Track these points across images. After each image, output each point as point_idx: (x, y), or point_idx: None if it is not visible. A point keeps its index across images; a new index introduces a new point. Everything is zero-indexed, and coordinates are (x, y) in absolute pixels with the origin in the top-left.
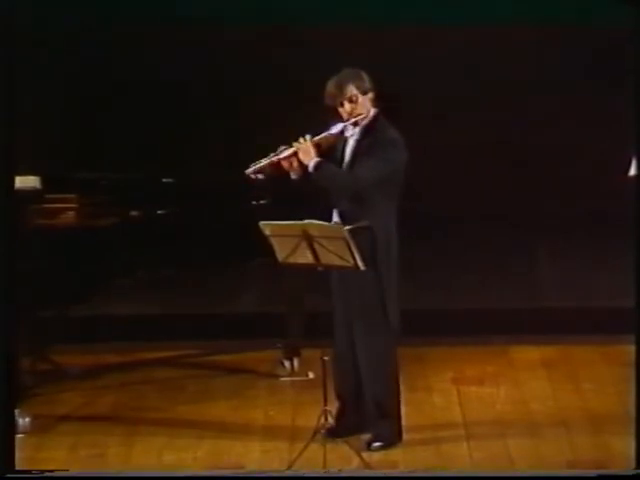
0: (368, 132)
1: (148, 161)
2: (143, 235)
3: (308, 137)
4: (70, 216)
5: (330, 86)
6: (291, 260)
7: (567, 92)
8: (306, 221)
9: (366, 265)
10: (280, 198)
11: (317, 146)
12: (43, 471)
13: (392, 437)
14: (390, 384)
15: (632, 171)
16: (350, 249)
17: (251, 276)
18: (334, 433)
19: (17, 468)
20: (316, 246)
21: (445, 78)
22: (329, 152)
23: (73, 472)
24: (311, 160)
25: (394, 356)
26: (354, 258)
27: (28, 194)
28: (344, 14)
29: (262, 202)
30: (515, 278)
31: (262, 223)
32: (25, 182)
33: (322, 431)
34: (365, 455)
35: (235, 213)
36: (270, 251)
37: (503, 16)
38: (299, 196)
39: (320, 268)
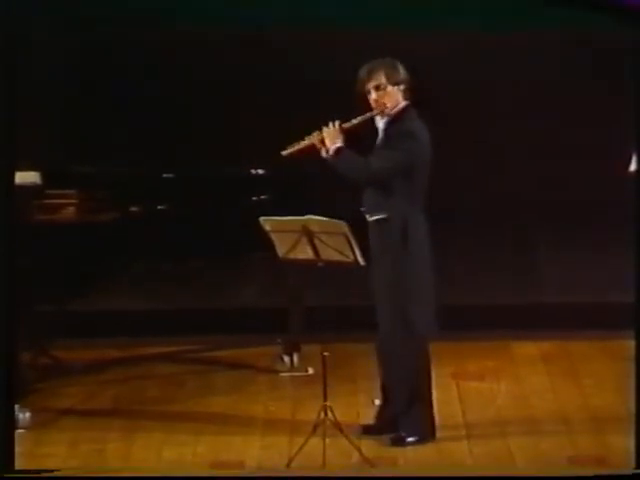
0: (392, 123)
1: (148, 156)
2: (143, 230)
3: (337, 123)
4: (70, 211)
5: (361, 72)
6: (291, 256)
7: (568, 92)
8: (306, 217)
9: (369, 258)
10: (280, 194)
11: (346, 132)
12: (43, 471)
13: (426, 432)
14: (415, 380)
15: (632, 167)
16: (350, 244)
17: (251, 271)
18: (372, 430)
19: (17, 463)
20: (316, 241)
21: (445, 78)
22: (360, 141)
23: (73, 472)
24: (334, 145)
25: (422, 351)
26: (354, 253)
27: (28, 190)
28: (352, 17)
29: (262, 198)
30: (515, 274)
31: (262, 219)
32: (25, 178)
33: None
34: (365, 451)
35: (235, 208)
36: (270, 246)
37: (504, 21)
38: (299, 192)
39: (320, 263)
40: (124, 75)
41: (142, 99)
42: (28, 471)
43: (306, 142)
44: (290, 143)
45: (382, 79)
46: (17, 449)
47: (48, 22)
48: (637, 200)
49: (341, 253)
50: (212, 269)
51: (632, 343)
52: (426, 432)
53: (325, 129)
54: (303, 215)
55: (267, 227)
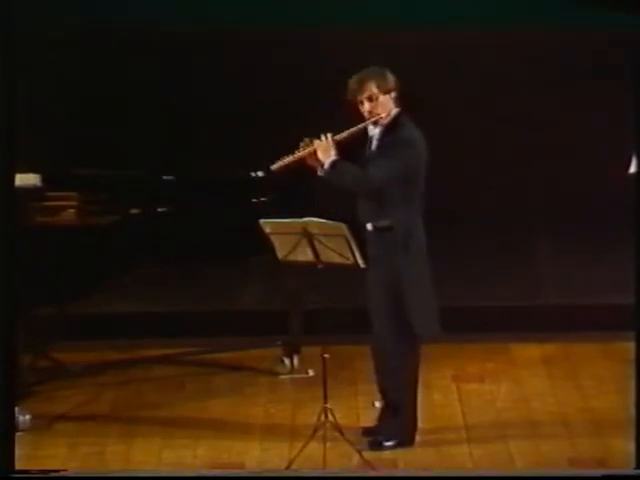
0: (388, 132)
1: (148, 159)
2: (143, 233)
3: (329, 135)
4: (71, 214)
5: (352, 82)
6: (291, 258)
7: (568, 92)
8: (306, 219)
9: (367, 264)
10: (280, 196)
11: (338, 144)
12: (42, 471)
13: (404, 436)
14: (403, 383)
15: (632, 169)
16: (350, 247)
17: (251, 273)
18: (373, 432)
19: (17, 465)
20: (316, 244)
21: (445, 78)
22: (355, 151)
23: (72, 472)
24: (328, 158)
25: (411, 356)
26: (354, 256)
27: (29, 192)
28: (353, 17)
29: (262, 199)
30: (515, 275)
31: (262, 221)
32: (26, 180)
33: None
34: (365, 453)
35: (235, 211)
36: (270, 248)
37: (505, 19)
38: (299, 194)
39: (320, 266)
40: (125, 77)
41: (142, 101)
42: (28, 471)
43: (296, 155)
44: (289, 144)
45: (374, 89)
46: (17, 451)
47: (49, 24)
48: (637, 202)
49: (341, 255)
50: (212, 271)
51: (632, 345)
52: (405, 437)
53: (317, 142)
54: (303, 217)
55: (267, 229)
